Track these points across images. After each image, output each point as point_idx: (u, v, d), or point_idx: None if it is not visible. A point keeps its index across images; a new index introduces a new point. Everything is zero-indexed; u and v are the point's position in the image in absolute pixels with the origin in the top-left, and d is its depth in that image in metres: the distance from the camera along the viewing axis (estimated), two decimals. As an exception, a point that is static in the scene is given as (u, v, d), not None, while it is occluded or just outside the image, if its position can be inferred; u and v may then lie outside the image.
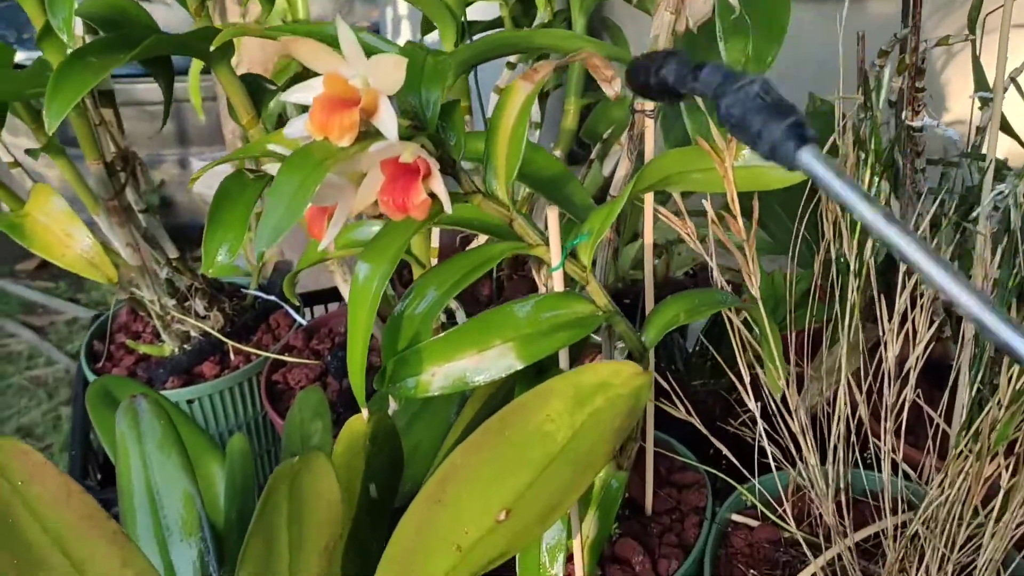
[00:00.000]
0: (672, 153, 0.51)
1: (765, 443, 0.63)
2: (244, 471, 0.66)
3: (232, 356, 0.94)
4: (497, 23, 0.94)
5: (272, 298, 1.00)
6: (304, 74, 0.85)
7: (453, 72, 0.57)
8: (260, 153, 0.69)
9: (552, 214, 0.47)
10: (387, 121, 0.41)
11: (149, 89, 2.29)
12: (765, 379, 0.61)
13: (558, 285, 0.50)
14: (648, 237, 0.60)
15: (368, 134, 0.42)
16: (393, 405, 0.63)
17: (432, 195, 0.43)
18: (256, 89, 0.78)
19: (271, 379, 0.91)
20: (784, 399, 0.61)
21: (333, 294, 1.11)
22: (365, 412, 0.50)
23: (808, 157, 0.28)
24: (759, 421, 0.61)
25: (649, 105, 0.54)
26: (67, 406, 2.06)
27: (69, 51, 0.63)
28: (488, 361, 0.48)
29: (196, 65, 1.58)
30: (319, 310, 1.09)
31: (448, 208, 0.43)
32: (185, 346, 0.93)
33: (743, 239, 0.50)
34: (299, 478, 0.43)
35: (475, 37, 0.78)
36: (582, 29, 0.84)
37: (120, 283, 0.84)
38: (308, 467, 0.43)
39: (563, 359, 0.54)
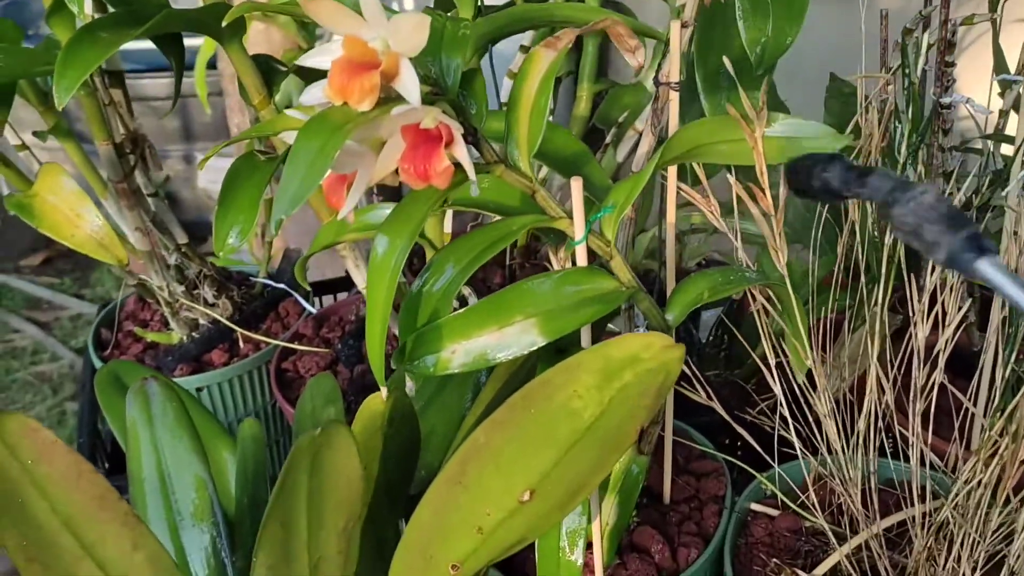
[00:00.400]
0: (699, 123, 0.50)
1: (790, 430, 0.61)
2: (256, 457, 0.65)
3: (241, 344, 0.93)
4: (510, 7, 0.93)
5: (281, 286, 0.99)
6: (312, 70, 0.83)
7: (472, 44, 0.55)
8: (272, 132, 0.68)
9: (576, 185, 0.46)
10: (409, 84, 0.39)
11: (155, 84, 2.28)
12: (787, 364, 0.60)
13: (581, 260, 0.48)
14: (671, 215, 0.58)
15: (388, 99, 0.41)
16: (410, 385, 0.61)
17: (455, 163, 0.42)
18: (268, 69, 0.76)
19: (281, 367, 0.89)
20: (806, 385, 0.59)
21: (342, 283, 1.10)
22: (384, 391, 0.48)
23: (989, 267, 0.29)
24: (781, 406, 0.60)
25: (674, 77, 0.53)
26: (72, 401, 2.05)
27: (79, 26, 0.61)
28: (510, 337, 0.46)
29: (202, 59, 1.57)
30: (327, 300, 1.08)
31: (472, 175, 0.41)
32: (194, 334, 0.92)
33: (771, 212, 0.49)
34: (320, 454, 0.41)
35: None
36: (597, 11, 0.83)
37: (129, 269, 0.83)
38: (329, 442, 0.42)
39: (585, 338, 0.52)
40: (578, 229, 0.47)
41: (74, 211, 0.66)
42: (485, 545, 0.45)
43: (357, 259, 0.82)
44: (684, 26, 0.53)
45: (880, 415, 0.61)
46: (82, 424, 0.84)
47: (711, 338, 1.04)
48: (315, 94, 0.42)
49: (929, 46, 0.73)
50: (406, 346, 0.48)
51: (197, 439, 0.59)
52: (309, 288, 0.99)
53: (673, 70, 0.53)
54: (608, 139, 0.94)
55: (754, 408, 0.68)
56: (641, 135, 0.87)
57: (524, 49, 0.94)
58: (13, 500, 0.43)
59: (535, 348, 0.46)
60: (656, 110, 0.56)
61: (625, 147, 0.96)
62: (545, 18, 0.59)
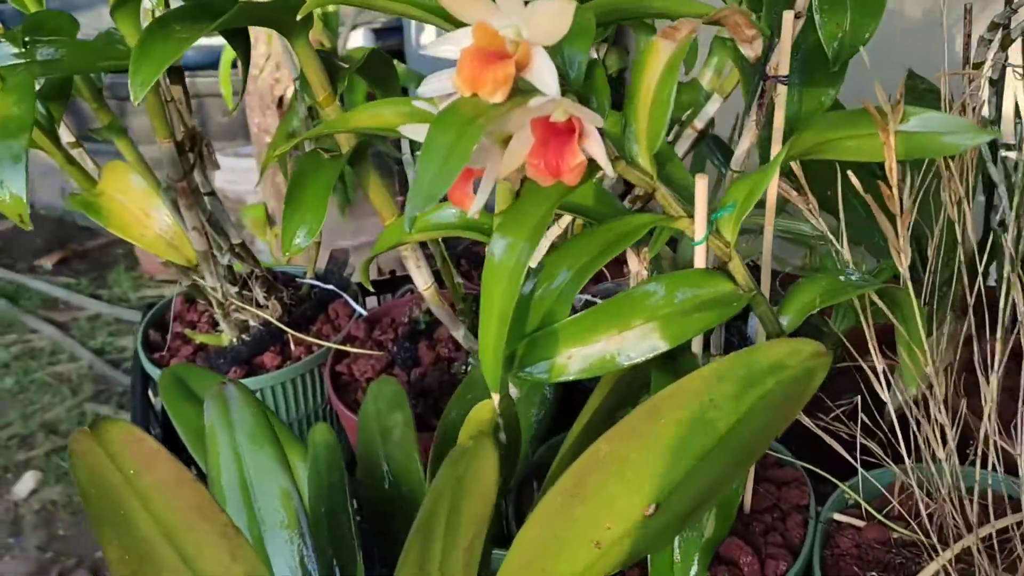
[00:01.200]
0: (825, 117, 0.48)
1: (870, 437, 0.59)
2: (329, 464, 0.63)
3: (293, 347, 0.91)
4: None
5: (330, 287, 0.96)
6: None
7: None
8: (342, 128, 0.66)
9: (700, 183, 0.44)
10: (545, 74, 0.37)
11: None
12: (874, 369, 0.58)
13: (700, 261, 0.46)
14: (770, 213, 0.56)
15: (517, 90, 0.39)
16: (514, 391, 0.59)
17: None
18: (331, 66, 0.74)
19: (335, 370, 0.87)
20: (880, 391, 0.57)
21: (385, 284, 1.07)
22: (496, 398, 0.46)
23: None
24: (861, 415, 0.57)
25: (784, 70, 0.51)
26: (91, 402, 2.03)
27: (152, 18, 0.59)
28: (629, 342, 0.44)
29: (227, 57, 1.55)
30: (370, 301, 1.05)
31: (610, 170, 0.39)
32: (244, 336, 0.90)
33: (896, 212, 0.47)
34: (466, 467, 0.39)
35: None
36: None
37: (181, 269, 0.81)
38: (476, 454, 0.40)
39: (696, 343, 0.50)
40: (699, 229, 0.45)
41: (143, 210, 0.64)
42: (603, 559, 0.43)
43: (418, 259, 0.80)
44: (798, 16, 0.51)
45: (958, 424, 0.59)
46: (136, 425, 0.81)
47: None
48: (436, 84, 0.40)
49: (1011, 41, 0.71)
50: (515, 352, 0.46)
51: (279, 446, 0.57)
52: (372, 289, 0.97)
53: (783, 63, 0.51)
54: (670, 138, 0.92)
55: (819, 409, 0.66)
56: (700, 133, 0.86)
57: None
58: (116, 512, 0.41)
59: (657, 353, 0.44)
60: (761, 105, 0.54)
61: (683, 145, 0.94)
62: (638, 9, 0.57)
